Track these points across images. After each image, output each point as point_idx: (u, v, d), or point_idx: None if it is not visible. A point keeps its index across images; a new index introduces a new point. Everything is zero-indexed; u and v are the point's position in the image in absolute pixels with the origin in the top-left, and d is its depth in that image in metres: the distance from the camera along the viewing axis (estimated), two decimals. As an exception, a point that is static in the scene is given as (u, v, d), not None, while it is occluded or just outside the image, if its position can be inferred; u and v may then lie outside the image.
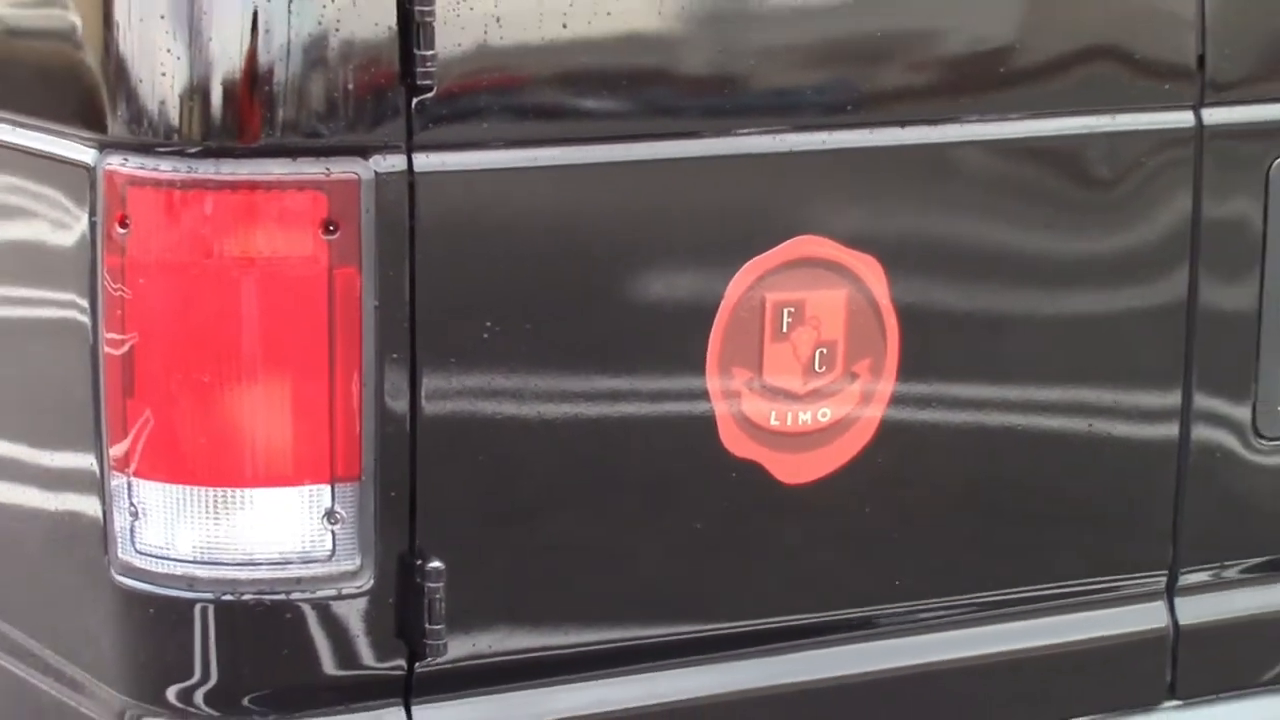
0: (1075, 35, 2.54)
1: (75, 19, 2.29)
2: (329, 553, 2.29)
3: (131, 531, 2.29)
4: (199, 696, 2.32)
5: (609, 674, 2.45)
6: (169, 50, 2.20)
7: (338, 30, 2.19)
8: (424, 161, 2.25)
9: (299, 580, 2.29)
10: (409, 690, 2.36)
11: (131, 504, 2.28)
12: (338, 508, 2.28)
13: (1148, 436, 2.64)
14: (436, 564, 2.31)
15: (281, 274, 2.23)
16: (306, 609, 2.30)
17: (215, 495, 2.29)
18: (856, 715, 2.59)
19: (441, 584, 2.31)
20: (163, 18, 2.20)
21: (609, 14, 2.29)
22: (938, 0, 2.49)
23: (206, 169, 2.20)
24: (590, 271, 2.36)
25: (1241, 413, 2.65)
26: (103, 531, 2.31)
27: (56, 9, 2.33)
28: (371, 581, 2.30)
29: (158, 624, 2.32)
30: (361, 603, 2.31)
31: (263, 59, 2.20)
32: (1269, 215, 2.62)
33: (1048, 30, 2.53)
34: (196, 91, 2.20)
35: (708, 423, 2.41)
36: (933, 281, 2.48)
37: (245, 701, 2.32)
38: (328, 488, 2.29)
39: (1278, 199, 2.65)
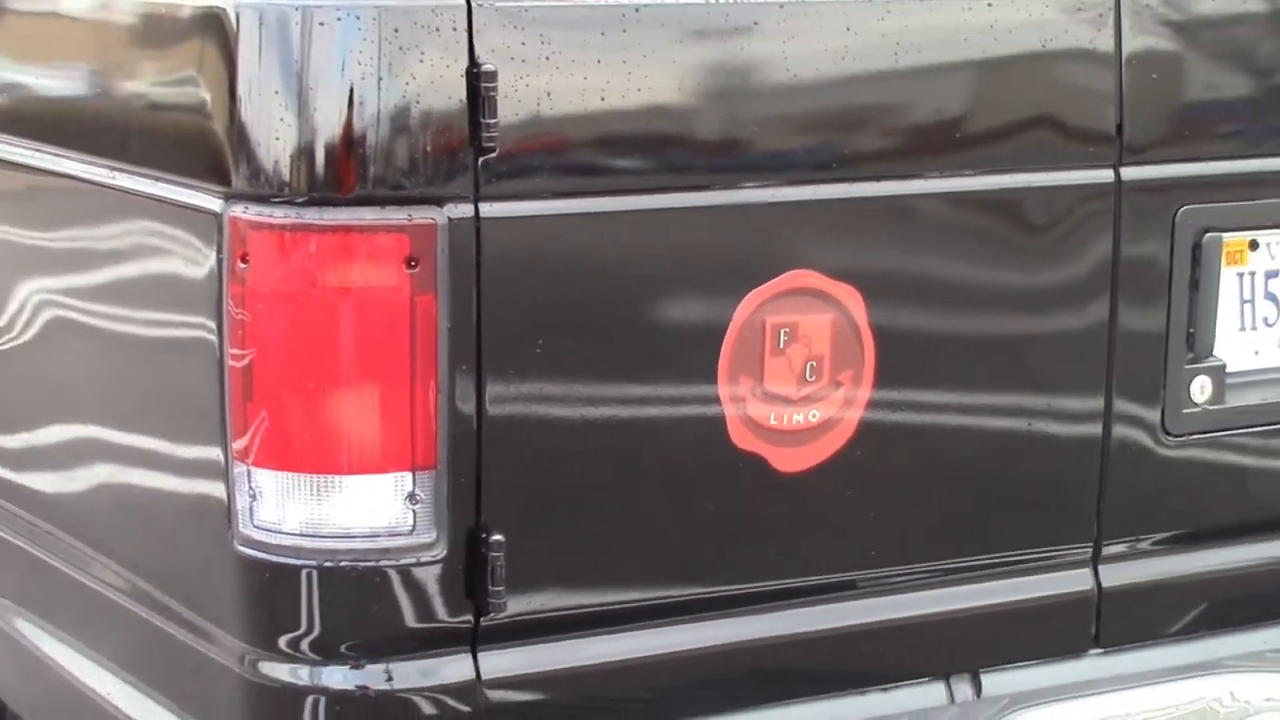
0: (1017, 107, 2.53)
1: (206, 94, 2.30)
2: (410, 528, 2.28)
3: (250, 510, 2.30)
4: (304, 644, 2.31)
5: (639, 626, 2.44)
6: (282, 119, 2.21)
7: (418, 102, 2.20)
8: (488, 209, 2.24)
9: (386, 550, 2.28)
10: (475, 640, 2.34)
11: (250, 488, 2.29)
12: (417, 491, 2.28)
13: (1076, 434, 2.64)
14: (498, 537, 2.30)
15: (372, 301, 2.23)
16: (392, 574, 2.29)
17: (318, 481, 2.28)
18: (839, 660, 2.58)
19: (502, 553, 2.30)
20: (277, 93, 2.21)
21: (638, 90, 2.30)
22: (905, 79, 2.45)
23: (312, 215, 2.20)
24: (623, 298, 2.36)
25: (1152, 415, 2.61)
26: (226, 510, 2.31)
27: (190, 86, 2.35)
28: (445, 551, 2.28)
29: (271, 585, 2.32)
30: (436, 569, 2.29)
31: (357, 126, 2.20)
32: (1174, 253, 2.62)
33: (995, 103, 2.53)
34: (304, 152, 2.21)
35: (718, 422, 2.40)
36: (903, 307, 2.49)
37: (342, 649, 2.31)
38: (409, 475, 2.27)
39: (1181, 240, 2.64)
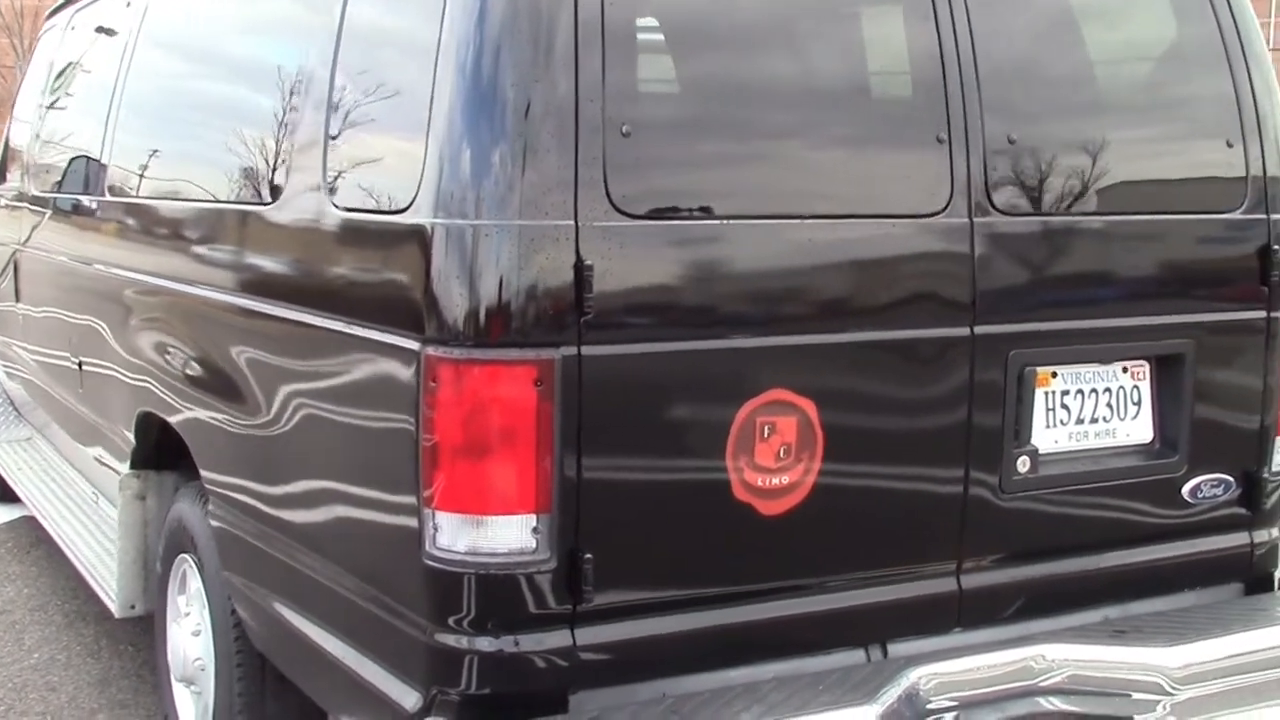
0: (913, 288, 2.55)
1: (405, 277, 2.37)
2: (534, 549, 2.31)
3: (433, 537, 2.33)
4: (465, 622, 2.33)
5: (676, 612, 2.42)
6: (458, 293, 2.28)
7: (543, 283, 2.27)
8: (586, 350, 2.29)
9: (517, 564, 2.30)
10: (573, 620, 2.36)
11: (434, 523, 2.33)
12: (539, 526, 2.30)
13: (947, 492, 2.66)
14: (589, 555, 2.34)
15: (512, 407, 2.26)
16: (521, 579, 2.31)
17: (476, 519, 2.29)
18: (800, 634, 2.54)
19: (591, 566, 2.33)
20: (455, 278, 2.27)
21: (678, 274, 2.38)
22: (842, 270, 2.48)
23: (476, 353, 2.26)
24: (668, 405, 2.39)
25: (993, 480, 2.68)
26: (418, 536, 2.35)
27: (401, 273, 2.38)
28: (555, 564, 2.33)
29: (445, 585, 2.32)
30: (549, 575, 2.32)
31: (504, 298, 2.25)
32: (1006, 379, 2.67)
33: (898, 285, 2.56)
34: (472, 314, 2.27)
35: (726, 483, 2.44)
36: (842, 413, 2.52)
37: (488, 625, 2.32)
38: (534, 516, 2.29)
39: (1011, 371, 2.68)
